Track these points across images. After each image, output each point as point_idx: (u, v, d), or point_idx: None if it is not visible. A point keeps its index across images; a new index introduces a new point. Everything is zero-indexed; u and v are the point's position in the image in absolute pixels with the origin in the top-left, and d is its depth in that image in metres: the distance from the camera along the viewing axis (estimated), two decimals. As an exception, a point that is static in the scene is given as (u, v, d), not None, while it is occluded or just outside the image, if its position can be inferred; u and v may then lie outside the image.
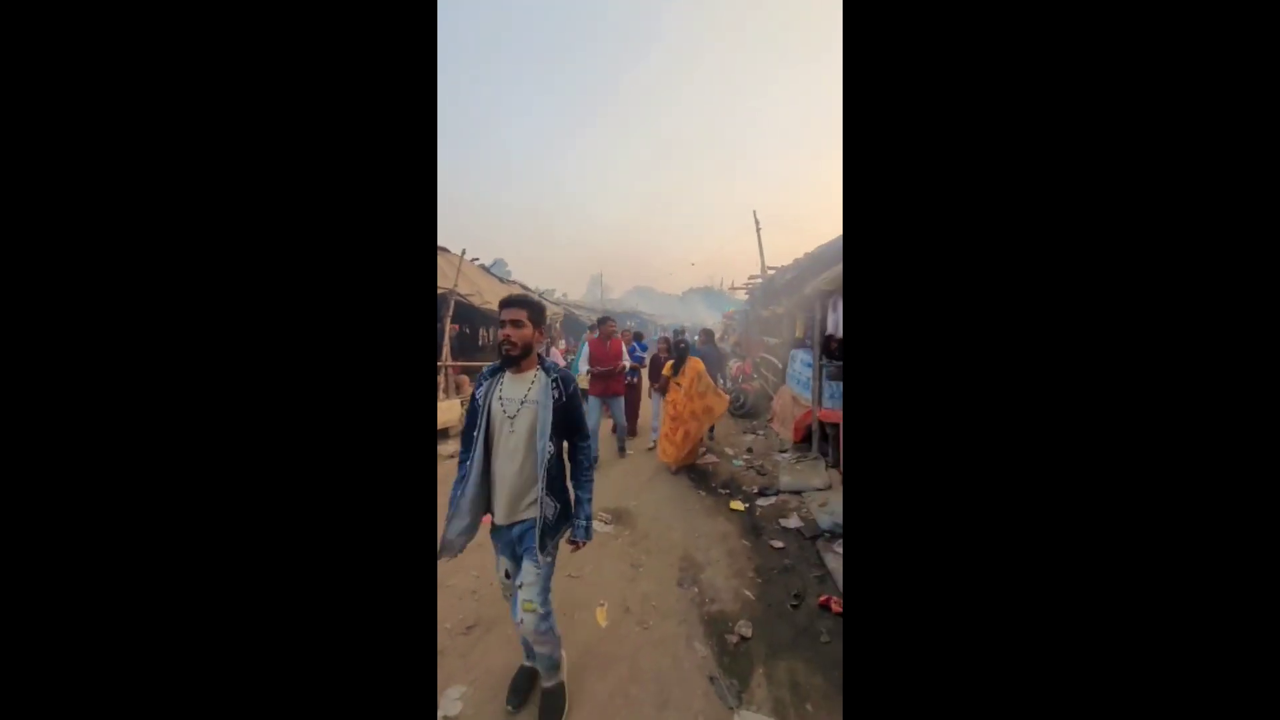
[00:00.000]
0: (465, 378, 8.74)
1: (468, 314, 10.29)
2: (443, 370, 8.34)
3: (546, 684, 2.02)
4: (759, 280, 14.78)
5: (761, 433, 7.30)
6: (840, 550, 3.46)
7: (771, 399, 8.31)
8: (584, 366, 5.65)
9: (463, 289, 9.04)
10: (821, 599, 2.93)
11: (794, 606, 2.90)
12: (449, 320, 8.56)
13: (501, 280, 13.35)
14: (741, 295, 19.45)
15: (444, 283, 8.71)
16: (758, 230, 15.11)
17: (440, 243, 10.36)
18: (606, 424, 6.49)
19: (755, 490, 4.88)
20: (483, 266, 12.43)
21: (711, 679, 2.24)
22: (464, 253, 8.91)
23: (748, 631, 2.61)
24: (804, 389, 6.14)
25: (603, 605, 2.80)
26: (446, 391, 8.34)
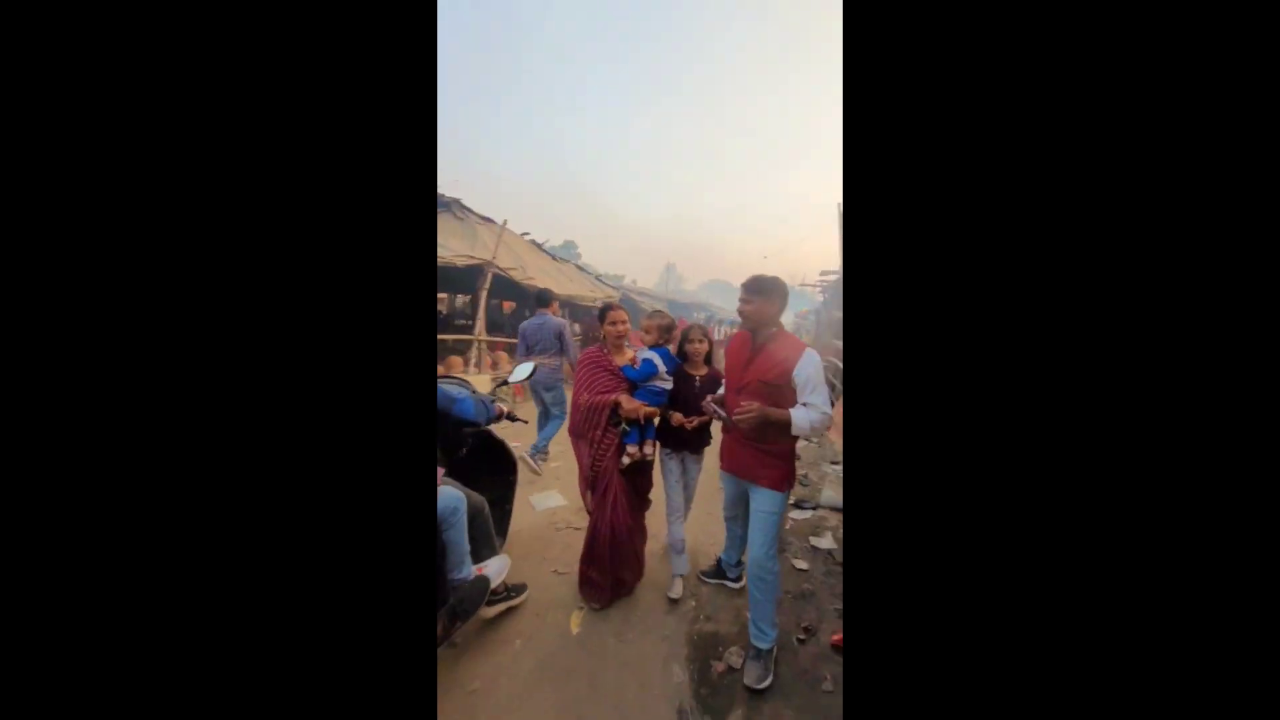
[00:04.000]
0: (504, 354, 8.28)
1: (517, 292, 9.49)
2: (474, 345, 7.94)
3: None
4: (835, 276, 13.15)
5: (815, 441, 6.04)
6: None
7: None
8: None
9: (504, 262, 8.59)
10: (835, 637, 2.23)
11: (801, 641, 2.26)
12: (485, 293, 8.13)
13: (558, 262, 12.75)
14: (816, 295, 17.69)
15: (483, 252, 8.28)
16: (842, 223, 13.43)
17: (509, 224, 9.96)
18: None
19: (790, 502, 3.94)
20: (535, 243, 11.84)
21: (680, 713, 1.89)
22: (504, 223, 8.34)
23: (737, 661, 2.11)
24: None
25: (581, 609, 2.44)
26: (479, 366, 7.93)
